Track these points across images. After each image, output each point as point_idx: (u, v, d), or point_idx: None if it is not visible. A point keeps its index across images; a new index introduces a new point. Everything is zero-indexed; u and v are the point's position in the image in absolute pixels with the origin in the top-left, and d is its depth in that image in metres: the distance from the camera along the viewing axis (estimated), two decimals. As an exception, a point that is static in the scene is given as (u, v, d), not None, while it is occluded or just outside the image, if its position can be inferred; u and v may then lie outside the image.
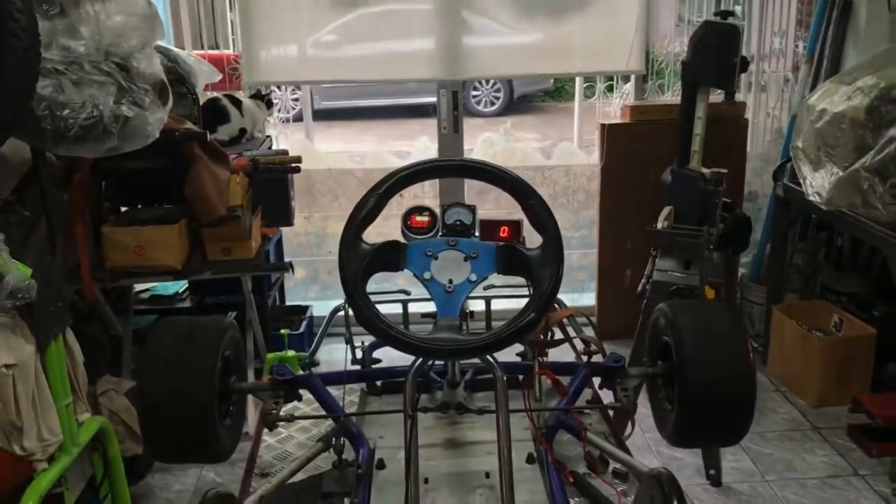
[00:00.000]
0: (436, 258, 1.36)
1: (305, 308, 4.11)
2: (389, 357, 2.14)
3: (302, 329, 3.82)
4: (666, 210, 3.54)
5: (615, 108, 5.17)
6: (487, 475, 1.63)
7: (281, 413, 1.64)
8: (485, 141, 6.82)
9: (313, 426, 1.93)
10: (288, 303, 4.25)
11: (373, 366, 2.06)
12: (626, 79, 4.74)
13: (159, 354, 1.56)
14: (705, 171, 3.45)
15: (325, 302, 4.45)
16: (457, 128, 4.03)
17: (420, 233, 1.40)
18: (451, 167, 1.45)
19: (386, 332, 1.29)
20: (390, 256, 1.35)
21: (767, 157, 4.20)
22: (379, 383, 2.04)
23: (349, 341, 2.07)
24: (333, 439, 1.66)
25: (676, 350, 1.59)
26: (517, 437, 1.68)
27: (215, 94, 3.63)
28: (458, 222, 1.41)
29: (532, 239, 1.39)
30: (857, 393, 3.21)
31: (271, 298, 3.81)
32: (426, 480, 1.57)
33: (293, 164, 3.23)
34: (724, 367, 1.58)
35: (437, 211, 1.43)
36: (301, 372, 1.75)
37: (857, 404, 3.15)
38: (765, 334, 3.82)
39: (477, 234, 1.41)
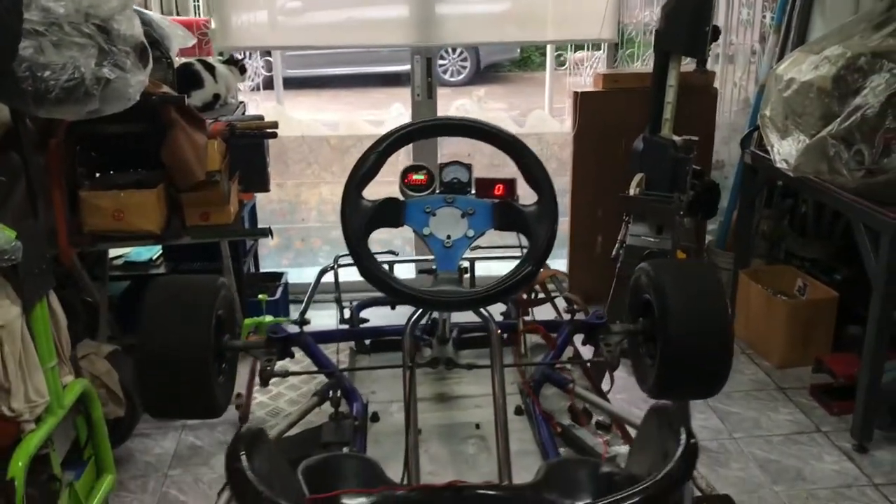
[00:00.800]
0: (434, 215, 1.40)
1: (280, 275, 4.12)
2: (377, 317, 2.19)
3: (278, 295, 3.84)
4: (638, 177, 3.62)
5: (585, 77, 5.22)
6: (478, 426, 1.68)
7: (275, 370, 1.67)
8: (458, 108, 6.83)
9: (303, 384, 1.97)
10: (262, 270, 4.25)
11: (361, 325, 2.10)
12: (597, 47, 4.78)
13: (156, 313, 1.58)
14: (676, 138, 3.53)
15: (299, 269, 4.47)
16: (430, 94, 4.05)
17: (418, 190, 1.43)
18: (449, 126, 1.49)
19: (389, 286, 1.33)
20: (390, 213, 1.39)
21: (735, 126, 4.28)
22: (368, 342, 2.08)
23: (338, 301, 2.11)
24: (329, 393, 1.70)
25: (659, 306, 1.65)
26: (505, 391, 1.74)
27: (188, 59, 3.60)
28: (455, 180, 1.44)
29: (526, 198, 1.44)
30: (819, 354, 3.33)
31: (246, 266, 3.82)
32: (420, 431, 1.61)
33: (270, 130, 3.23)
34: (704, 322, 1.64)
35: (434, 170, 1.46)
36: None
37: (820, 364, 3.28)
38: (731, 298, 3.92)
39: (473, 191, 1.45)
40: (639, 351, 1.81)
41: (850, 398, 3.05)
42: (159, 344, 1.55)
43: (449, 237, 1.37)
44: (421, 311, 1.55)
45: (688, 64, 3.64)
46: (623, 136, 3.85)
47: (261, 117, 3.43)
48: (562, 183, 5.43)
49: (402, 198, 1.42)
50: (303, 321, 1.86)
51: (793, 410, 3.23)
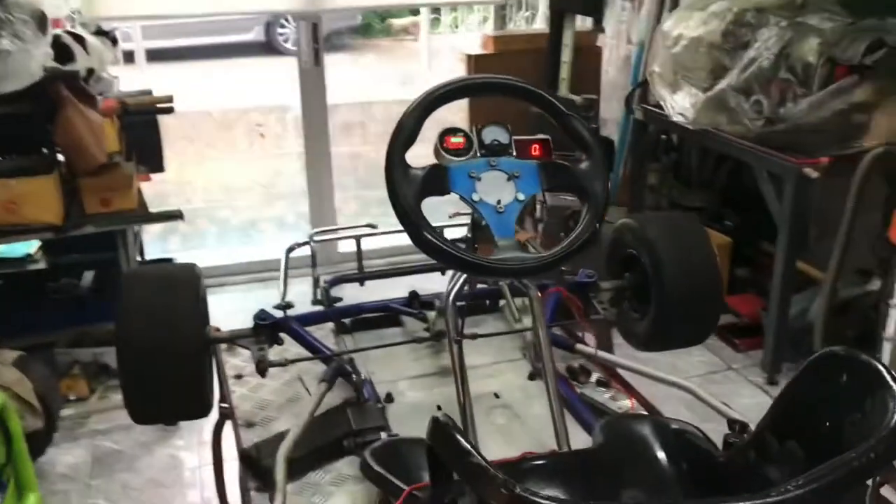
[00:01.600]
0: (479, 179, 1.32)
1: (169, 261, 3.85)
2: (350, 295, 2.09)
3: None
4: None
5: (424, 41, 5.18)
6: (497, 395, 1.64)
7: (271, 359, 1.55)
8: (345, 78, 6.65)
9: (284, 372, 1.84)
10: (148, 258, 3.96)
11: (336, 304, 1.99)
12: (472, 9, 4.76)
13: (139, 307, 1.42)
14: (576, 98, 3.59)
15: (188, 252, 4.20)
16: (317, 61, 3.89)
17: (457, 155, 1.35)
18: (487, 85, 1.42)
19: (460, 259, 1.25)
20: (435, 181, 1.30)
21: (614, 83, 4.40)
22: (348, 321, 1.98)
23: (316, 281, 1.99)
24: (337, 378, 1.60)
25: (652, 259, 1.66)
26: (509, 357, 1.71)
27: (55, 30, 3.26)
28: (495, 142, 1.37)
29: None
30: (720, 296, 3.51)
31: (134, 253, 3.54)
32: (438, 407, 1.55)
33: (164, 105, 3.00)
34: (697, 271, 1.68)
35: (471, 131, 1.39)
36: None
37: (724, 306, 3.46)
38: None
39: (514, 153, 1.39)
40: (623, 306, 1.83)
41: (755, 335, 3.25)
42: (149, 341, 1.40)
43: (499, 202, 1.30)
44: (462, 281, 1.48)
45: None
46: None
47: (149, 92, 3.17)
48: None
49: (445, 163, 1.34)
50: (286, 305, 1.74)
51: (704, 352, 3.39)
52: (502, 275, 1.39)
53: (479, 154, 1.36)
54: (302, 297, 2.00)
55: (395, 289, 2.01)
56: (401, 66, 8.66)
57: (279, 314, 1.69)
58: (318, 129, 3.94)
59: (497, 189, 1.32)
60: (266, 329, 1.58)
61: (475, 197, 1.31)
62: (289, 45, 10.61)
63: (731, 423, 1.29)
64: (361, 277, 2.09)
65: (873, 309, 3.10)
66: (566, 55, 3.57)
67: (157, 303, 1.42)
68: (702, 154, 3.99)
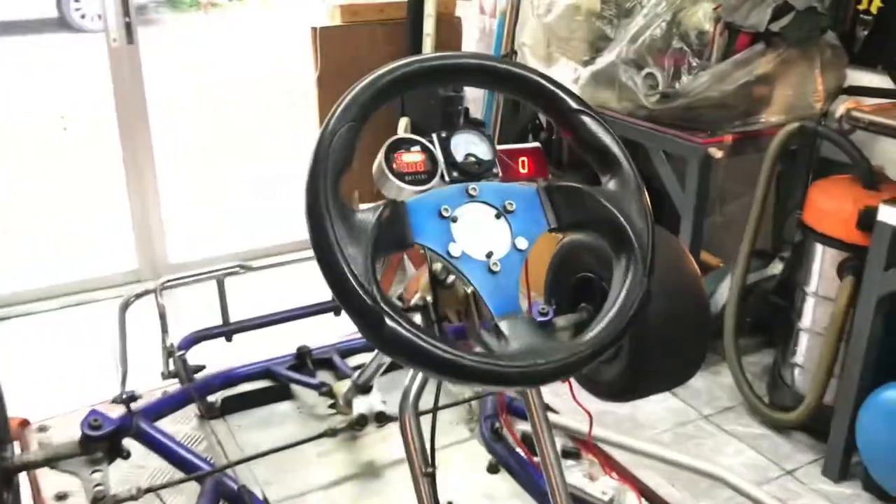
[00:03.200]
0: (454, 220, 0.85)
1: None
2: (214, 354, 1.55)
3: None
4: (403, 121, 3.21)
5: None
6: (452, 505, 1.19)
7: (112, 491, 1.02)
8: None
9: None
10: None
11: (197, 374, 1.45)
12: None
13: None
14: (443, 74, 3.16)
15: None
16: (131, 38, 3.23)
17: (415, 181, 0.87)
18: (452, 69, 0.92)
19: (455, 364, 0.75)
20: (391, 227, 0.81)
21: (474, 57, 4.01)
22: (216, 400, 1.44)
23: (171, 350, 1.41)
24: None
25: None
26: (456, 438, 1.26)
27: None
28: (470, 158, 0.90)
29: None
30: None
31: None
32: None
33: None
34: (680, 298, 1.31)
35: (431, 142, 0.90)
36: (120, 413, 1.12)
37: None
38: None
39: (499, 172, 0.92)
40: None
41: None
42: None
43: (490, 254, 0.85)
44: (425, 380, 1.00)
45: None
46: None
47: None
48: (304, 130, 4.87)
49: (394, 195, 0.86)
50: (129, 398, 1.19)
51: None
52: (521, 383, 0.91)
53: (447, 178, 0.90)
54: (144, 356, 1.46)
55: (273, 340, 1.51)
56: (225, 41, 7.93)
57: (120, 410, 1.16)
58: (135, 118, 3.29)
59: (484, 233, 0.85)
60: (101, 442, 1.05)
61: (453, 249, 0.83)
62: (87, 22, 9.49)
63: None
64: (228, 331, 1.55)
65: (774, 294, 2.92)
66: (429, 27, 3.14)
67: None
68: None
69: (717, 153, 2.57)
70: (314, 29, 3.35)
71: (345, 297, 0.75)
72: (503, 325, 0.81)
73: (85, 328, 3.08)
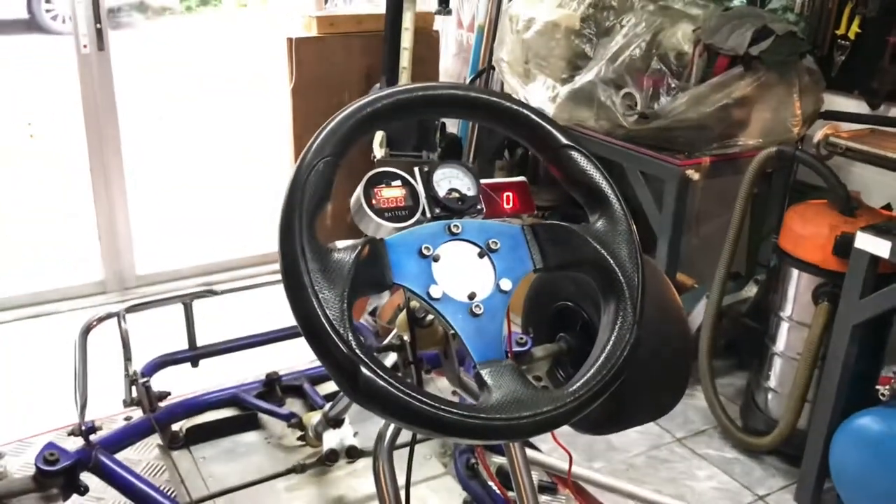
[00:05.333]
0: (436, 259, 0.81)
1: None
2: (177, 379, 1.49)
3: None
4: (378, 136, 3.16)
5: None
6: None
7: None
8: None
9: None
10: None
11: (161, 401, 1.39)
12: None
13: None
14: (420, 89, 3.12)
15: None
16: (102, 45, 3.15)
17: (396, 217, 0.82)
18: (434, 100, 0.87)
19: (435, 419, 0.71)
20: (369, 267, 0.77)
21: (451, 72, 3.99)
22: (181, 429, 1.38)
23: (134, 378, 1.35)
24: None
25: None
26: (427, 473, 1.21)
27: None
28: (453, 193, 0.86)
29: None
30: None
31: None
32: None
33: None
34: (663, 326, 1.28)
35: (413, 177, 0.86)
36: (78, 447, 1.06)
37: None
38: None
39: (483, 207, 0.88)
40: (559, 378, 1.39)
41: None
42: None
43: (473, 296, 0.81)
44: None
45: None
46: (347, 89, 3.36)
47: None
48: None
49: (372, 232, 0.81)
50: (89, 429, 1.13)
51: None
52: (504, 437, 0.86)
53: (429, 214, 0.86)
54: (105, 378, 1.39)
55: (241, 363, 1.45)
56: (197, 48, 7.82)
57: (77, 443, 1.10)
58: (105, 126, 3.21)
59: (466, 273, 0.81)
60: (57, 478, 0.99)
61: (434, 291, 0.79)
62: (58, 24, 9.34)
63: None
64: (194, 356, 1.49)
65: (748, 316, 2.91)
66: (406, 40, 3.10)
67: None
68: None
69: (695, 175, 2.56)
70: (290, 39, 3.30)
71: (317, 344, 0.71)
72: (485, 374, 0.77)
73: (47, 341, 3.00)
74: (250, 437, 1.42)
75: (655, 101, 2.69)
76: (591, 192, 0.90)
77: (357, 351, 0.70)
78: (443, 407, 0.72)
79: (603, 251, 0.86)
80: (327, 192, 0.78)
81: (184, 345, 1.48)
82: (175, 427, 1.39)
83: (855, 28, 2.60)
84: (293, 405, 1.44)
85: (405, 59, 3.11)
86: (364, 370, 0.70)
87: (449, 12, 3.06)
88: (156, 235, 3.92)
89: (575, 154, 0.89)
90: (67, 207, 4.17)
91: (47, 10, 8.66)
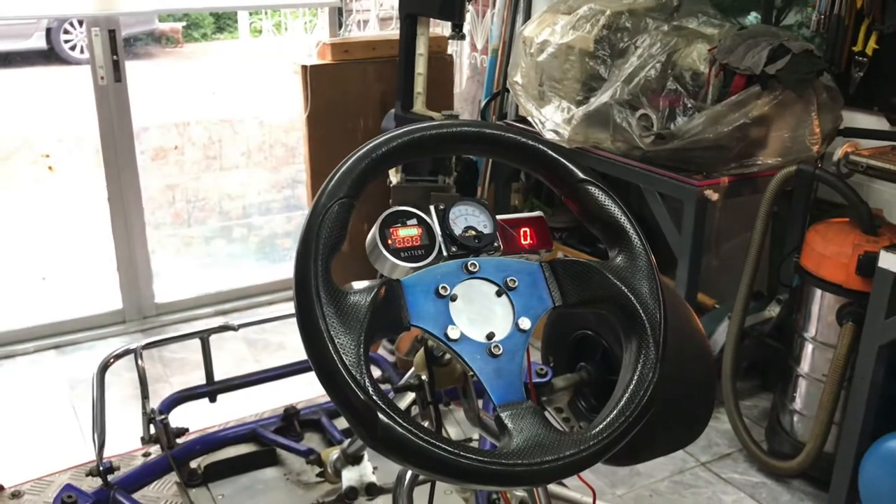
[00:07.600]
0: (453, 299, 0.80)
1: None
2: (196, 415, 1.48)
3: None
4: (393, 159, 3.15)
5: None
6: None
7: None
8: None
9: None
10: None
11: (179, 438, 1.38)
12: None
13: None
14: (434, 114, 3.12)
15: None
16: (119, 77, 3.18)
17: (411, 257, 0.81)
18: (450, 137, 0.86)
19: (442, 462, 0.69)
20: (386, 310, 0.76)
21: (466, 95, 3.99)
22: (199, 465, 1.37)
23: (151, 416, 1.34)
24: None
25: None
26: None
27: None
28: (470, 231, 0.85)
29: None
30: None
31: None
32: None
33: None
34: (686, 356, 1.26)
35: (429, 216, 0.85)
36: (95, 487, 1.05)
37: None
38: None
39: (500, 245, 0.87)
40: (579, 408, 1.37)
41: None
42: None
43: (492, 336, 0.79)
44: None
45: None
46: (362, 115, 3.37)
47: None
48: (291, 173, 4.82)
49: (388, 272, 0.80)
50: (107, 469, 1.13)
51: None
52: (527, 483, 0.84)
53: (445, 253, 0.84)
54: (122, 418, 1.39)
55: (259, 396, 1.44)
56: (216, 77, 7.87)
57: (95, 483, 1.09)
58: (123, 159, 3.24)
59: (484, 313, 0.79)
60: (76, 522, 0.99)
61: (452, 333, 0.78)
62: (76, 54, 9.46)
63: None
64: (212, 391, 1.48)
65: (771, 337, 2.87)
66: (420, 66, 3.09)
67: None
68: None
69: (713, 195, 2.54)
70: (304, 67, 3.31)
71: (334, 390, 0.69)
72: (505, 417, 0.76)
73: (67, 372, 3.01)
74: (269, 473, 1.41)
75: (672, 121, 2.68)
76: (609, 227, 0.88)
77: (374, 397, 0.69)
78: (462, 454, 0.70)
79: (624, 288, 0.84)
80: (342, 234, 0.77)
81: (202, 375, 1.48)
82: (193, 464, 1.38)
83: (872, 44, 2.57)
84: (311, 440, 1.43)
85: (419, 85, 3.11)
86: (382, 417, 0.69)
87: (463, 37, 3.06)
88: (174, 263, 3.93)
89: (592, 189, 0.88)
90: (86, 237, 4.19)
91: (66, 41, 8.79)
